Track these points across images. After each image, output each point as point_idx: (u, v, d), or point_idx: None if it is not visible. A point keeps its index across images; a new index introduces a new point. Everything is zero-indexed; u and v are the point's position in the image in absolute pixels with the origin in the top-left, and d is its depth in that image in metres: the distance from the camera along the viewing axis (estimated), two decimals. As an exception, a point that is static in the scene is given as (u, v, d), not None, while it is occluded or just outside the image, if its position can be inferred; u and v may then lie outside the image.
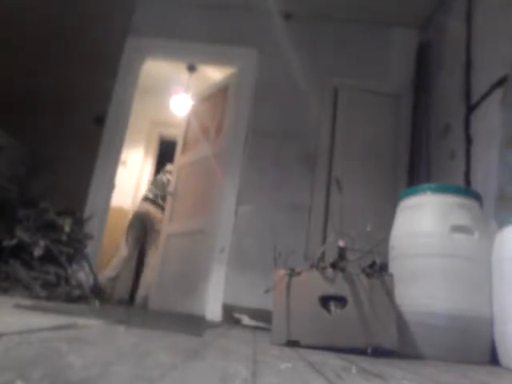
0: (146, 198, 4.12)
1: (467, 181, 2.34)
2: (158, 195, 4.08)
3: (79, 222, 2.78)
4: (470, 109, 2.43)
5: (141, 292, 3.74)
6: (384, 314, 1.42)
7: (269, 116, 3.24)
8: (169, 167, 4.19)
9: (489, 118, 2.19)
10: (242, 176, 3.08)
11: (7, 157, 2.61)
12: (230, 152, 3.16)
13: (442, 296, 1.70)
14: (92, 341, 0.80)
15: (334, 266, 1.50)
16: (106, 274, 3.67)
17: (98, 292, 3.10)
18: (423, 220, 1.83)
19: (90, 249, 2.83)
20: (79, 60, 3.28)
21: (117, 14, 3.44)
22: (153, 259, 3.79)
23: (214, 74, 4.33)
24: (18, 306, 1.44)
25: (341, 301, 1.45)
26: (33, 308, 1.44)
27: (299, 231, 2.96)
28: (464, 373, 1.24)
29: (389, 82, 3.33)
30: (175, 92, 4.65)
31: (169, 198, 3.71)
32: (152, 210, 4.02)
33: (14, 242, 2.32)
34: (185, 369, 0.62)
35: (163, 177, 4.23)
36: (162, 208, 3.95)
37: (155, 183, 4.25)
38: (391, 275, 1.51)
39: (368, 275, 1.46)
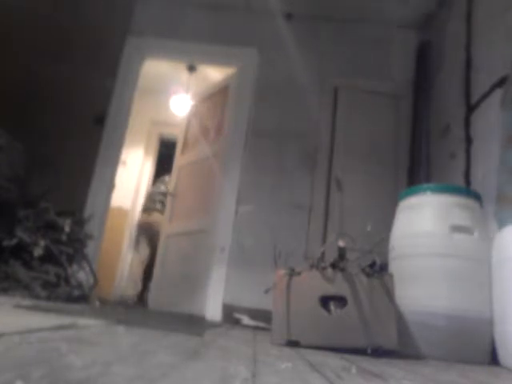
0: (144, 210, 4.31)
1: (467, 181, 2.34)
2: (153, 204, 4.25)
3: (79, 222, 2.77)
4: (470, 109, 2.42)
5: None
6: (384, 313, 1.42)
7: (269, 116, 3.24)
8: (167, 178, 4.27)
9: (489, 118, 2.19)
10: (241, 176, 3.08)
11: (7, 157, 2.61)
12: (230, 152, 3.16)
13: (442, 296, 1.70)
14: (92, 341, 0.80)
15: (334, 266, 1.50)
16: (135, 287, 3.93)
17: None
18: (423, 220, 1.83)
19: (89, 249, 2.82)
20: (79, 60, 3.28)
21: (117, 14, 3.44)
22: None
23: (214, 74, 4.33)
24: (18, 306, 1.44)
25: (341, 301, 1.45)
26: (33, 308, 1.44)
27: (299, 231, 2.96)
28: (464, 373, 1.24)
29: (389, 81, 3.32)
30: (175, 92, 4.65)
31: (169, 198, 3.71)
32: (150, 218, 4.29)
33: (14, 241, 2.32)
34: (185, 369, 0.62)
35: (156, 189, 4.39)
36: (159, 211, 4.12)
37: (149, 196, 4.43)
38: (391, 275, 1.51)
39: (368, 275, 1.46)
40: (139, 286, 4.05)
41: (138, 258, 4.21)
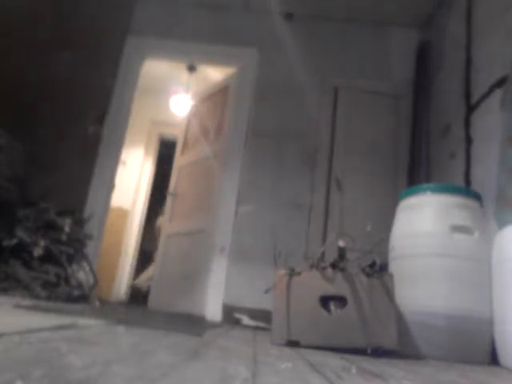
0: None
1: (467, 181, 2.34)
2: None
3: (79, 222, 2.77)
4: (470, 109, 2.42)
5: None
6: (384, 314, 1.42)
7: (269, 116, 3.24)
8: None
9: (489, 118, 2.19)
10: (241, 176, 3.08)
11: (7, 157, 2.61)
12: (230, 152, 3.16)
13: (441, 296, 1.70)
14: (92, 341, 0.80)
15: (333, 266, 1.50)
16: (145, 282, 3.99)
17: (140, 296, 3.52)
18: (423, 220, 1.83)
19: (89, 249, 2.83)
20: (79, 60, 3.28)
21: (117, 14, 3.44)
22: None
23: (214, 73, 4.33)
24: (18, 306, 1.44)
25: (341, 301, 1.45)
26: (33, 308, 1.44)
27: (299, 231, 2.96)
28: (464, 373, 1.24)
29: (389, 81, 3.32)
30: (175, 92, 4.65)
31: (169, 198, 3.71)
32: None
33: (14, 242, 2.32)
34: (185, 369, 0.62)
35: None
36: None
37: None
38: (391, 275, 1.51)
39: (368, 275, 1.46)
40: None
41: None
